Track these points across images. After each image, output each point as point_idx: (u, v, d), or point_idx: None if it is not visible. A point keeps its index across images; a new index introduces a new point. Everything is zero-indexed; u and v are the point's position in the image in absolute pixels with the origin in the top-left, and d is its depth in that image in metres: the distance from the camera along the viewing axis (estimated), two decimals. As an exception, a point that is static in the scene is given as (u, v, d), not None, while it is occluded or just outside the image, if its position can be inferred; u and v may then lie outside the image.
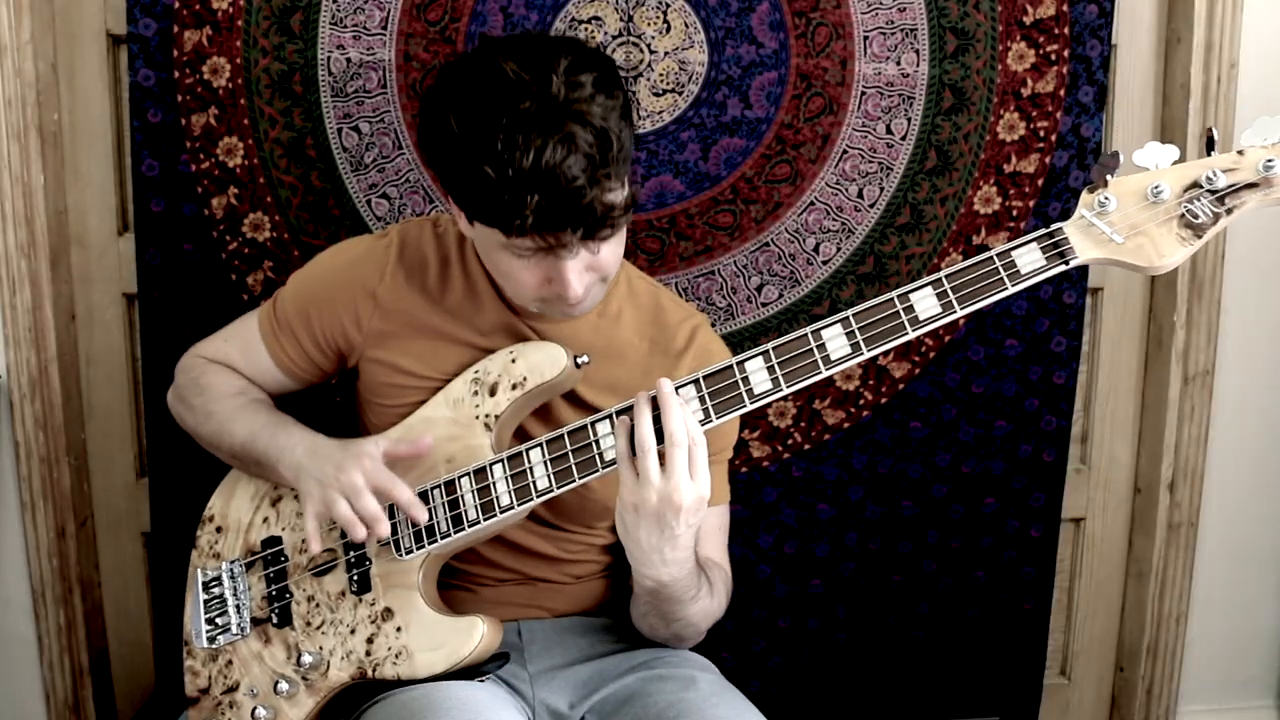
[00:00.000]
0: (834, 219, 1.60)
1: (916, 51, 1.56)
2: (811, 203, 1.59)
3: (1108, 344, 1.74)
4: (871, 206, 1.60)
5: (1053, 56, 1.57)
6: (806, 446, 1.66)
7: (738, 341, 1.61)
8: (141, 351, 1.59)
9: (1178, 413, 1.71)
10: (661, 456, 1.07)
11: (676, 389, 1.09)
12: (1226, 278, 1.69)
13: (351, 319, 1.27)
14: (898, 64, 1.56)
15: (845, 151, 1.58)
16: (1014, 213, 1.61)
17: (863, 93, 1.56)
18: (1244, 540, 1.80)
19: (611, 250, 1.15)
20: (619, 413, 1.13)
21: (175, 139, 1.50)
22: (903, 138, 1.58)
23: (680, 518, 1.07)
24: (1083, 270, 1.65)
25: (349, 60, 1.50)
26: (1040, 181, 1.60)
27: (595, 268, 1.14)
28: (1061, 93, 1.59)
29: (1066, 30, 1.57)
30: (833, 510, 1.69)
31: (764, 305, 1.61)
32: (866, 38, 1.55)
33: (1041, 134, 1.59)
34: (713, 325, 1.49)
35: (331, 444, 1.21)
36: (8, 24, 1.45)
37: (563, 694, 1.25)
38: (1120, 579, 1.82)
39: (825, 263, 1.61)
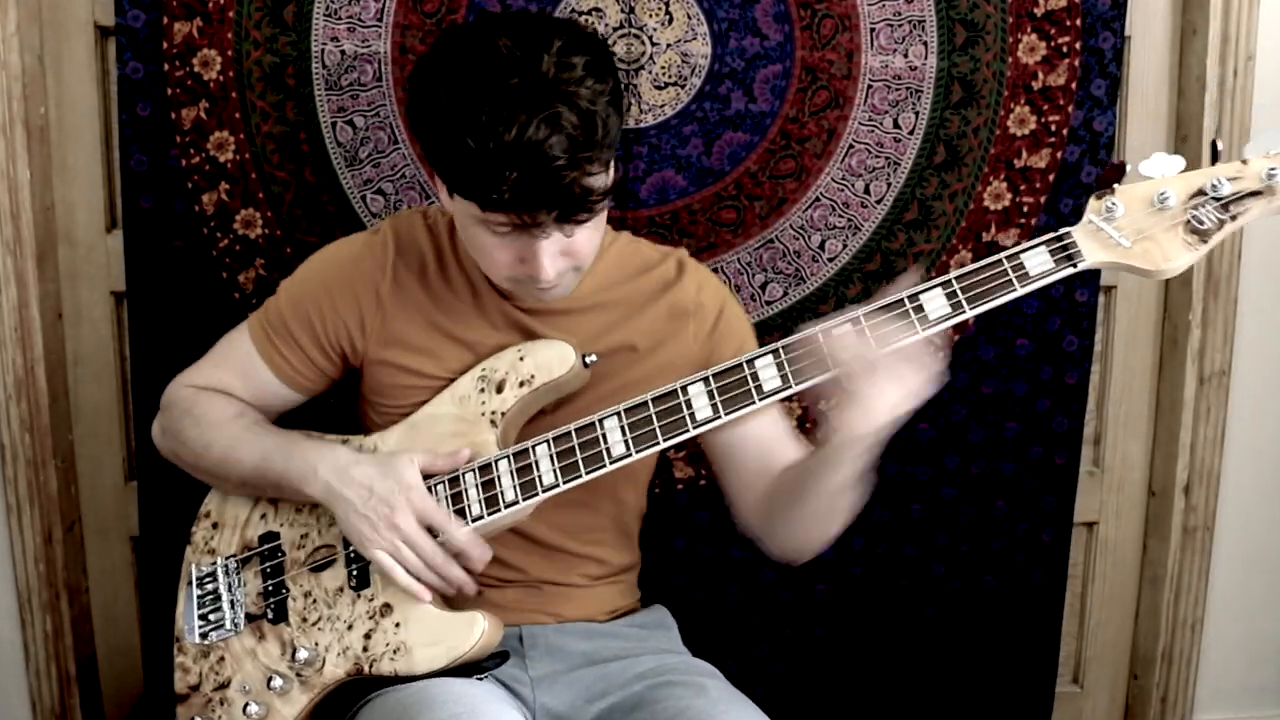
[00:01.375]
0: (840, 215, 1.57)
1: (925, 44, 1.54)
2: (817, 199, 1.57)
3: (1121, 343, 1.72)
4: (879, 202, 1.58)
5: (1064, 49, 1.56)
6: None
7: (741, 341, 1.58)
8: (130, 351, 1.58)
9: (1193, 414, 1.70)
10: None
11: (683, 386, 1.14)
12: (1243, 277, 1.68)
13: (355, 320, 1.26)
14: (905, 56, 1.54)
15: (852, 146, 1.56)
16: (1024, 208, 1.59)
17: (870, 86, 1.54)
18: (1261, 544, 1.80)
19: (588, 238, 1.15)
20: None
21: (165, 133, 1.49)
22: (911, 132, 1.56)
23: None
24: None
25: (343, 53, 1.49)
26: (1051, 177, 1.59)
27: (570, 253, 1.14)
28: (1073, 86, 1.57)
29: (1078, 22, 1.55)
30: (839, 514, 1.66)
31: (769, 303, 1.59)
32: (873, 30, 1.53)
33: (1053, 128, 1.58)
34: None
35: (358, 461, 1.18)
36: (-7, 15, 1.44)
37: (565, 698, 1.24)
38: (1134, 584, 1.81)
39: (831, 260, 1.59)
